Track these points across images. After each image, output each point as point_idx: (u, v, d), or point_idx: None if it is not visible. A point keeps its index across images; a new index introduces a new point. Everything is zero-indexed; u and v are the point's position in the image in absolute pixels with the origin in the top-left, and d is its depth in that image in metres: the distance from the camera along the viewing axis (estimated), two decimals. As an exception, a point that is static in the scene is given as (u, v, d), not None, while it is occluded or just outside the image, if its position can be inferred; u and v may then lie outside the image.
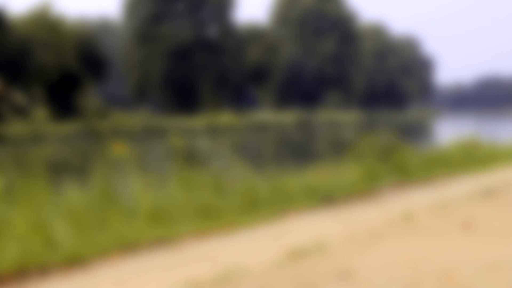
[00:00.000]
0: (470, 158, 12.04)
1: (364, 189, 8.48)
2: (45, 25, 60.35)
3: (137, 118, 59.28)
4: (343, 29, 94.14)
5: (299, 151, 23.68)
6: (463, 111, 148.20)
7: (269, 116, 72.61)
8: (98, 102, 58.16)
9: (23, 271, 4.79)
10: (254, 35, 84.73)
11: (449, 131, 18.49)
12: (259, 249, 5.00)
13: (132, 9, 77.99)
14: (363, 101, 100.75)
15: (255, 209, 7.00)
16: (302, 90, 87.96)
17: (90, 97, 56.67)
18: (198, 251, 5.22)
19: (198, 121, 61.19)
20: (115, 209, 6.37)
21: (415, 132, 38.70)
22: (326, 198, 7.68)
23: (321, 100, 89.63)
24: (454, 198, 7.20)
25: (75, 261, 5.02)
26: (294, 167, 9.74)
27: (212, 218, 6.47)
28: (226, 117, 65.43)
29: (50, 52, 59.28)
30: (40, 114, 49.75)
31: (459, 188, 8.37)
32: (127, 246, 5.43)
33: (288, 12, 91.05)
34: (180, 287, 3.98)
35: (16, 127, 46.82)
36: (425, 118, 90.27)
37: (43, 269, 4.85)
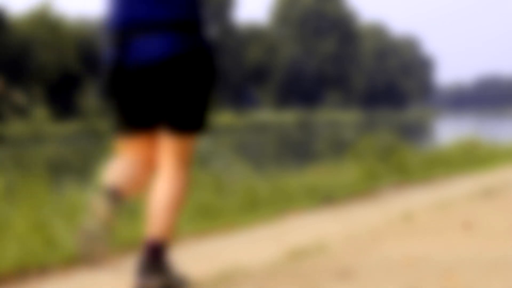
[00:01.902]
0: (470, 158, 12.05)
1: (364, 189, 8.48)
2: (45, 25, 60.37)
3: (137, 118, 59.19)
4: (343, 29, 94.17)
5: (299, 151, 23.70)
6: (463, 111, 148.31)
7: (269, 116, 72.66)
8: (98, 101, 58.18)
9: (23, 271, 4.79)
10: (254, 35, 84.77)
11: (449, 131, 18.49)
12: (259, 249, 5.01)
13: (132, 9, 77.97)
14: (363, 101, 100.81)
15: (255, 209, 7.00)
16: (302, 90, 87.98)
17: (90, 97, 56.69)
18: (198, 251, 5.22)
19: (198, 121, 61.14)
20: (115, 209, 6.37)
21: (415, 132, 38.72)
22: (326, 198, 7.68)
23: (321, 100, 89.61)
24: (454, 198, 7.20)
25: (75, 261, 5.02)
26: (294, 167, 9.75)
27: (212, 218, 6.48)
28: (226, 117, 65.46)
29: (50, 52, 59.31)
30: (40, 114, 49.79)
31: (459, 188, 8.38)
32: (127, 246, 5.43)
33: (288, 12, 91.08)
34: (180, 287, 3.98)
35: (16, 127, 46.85)
36: (425, 118, 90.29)
37: (43, 269, 4.85)
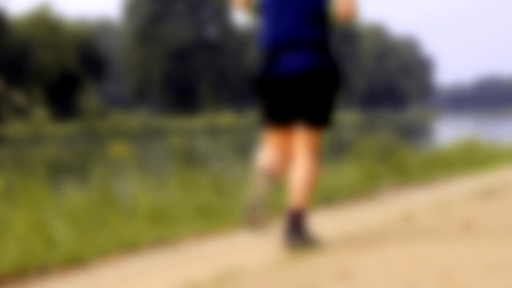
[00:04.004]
0: (470, 158, 12.05)
1: (364, 189, 8.48)
2: (45, 25, 60.31)
3: (137, 119, 59.25)
4: (343, 29, 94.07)
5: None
6: (463, 111, 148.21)
7: (269, 116, 72.41)
8: (98, 102, 58.14)
9: (22, 271, 4.79)
10: (254, 35, 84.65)
11: (449, 131, 18.49)
12: (259, 249, 5.01)
13: (132, 10, 77.96)
14: (363, 101, 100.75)
15: (255, 209, 6.99)
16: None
17: (90, 97, 56.63)
18: (198, 251, 5.22)
19: (198, 121, 61.19)
20: (115, 209, 6.38)
21: (415, 132, 38.71)
22: (326, 198, 7.68)
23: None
24: (454, 198, 7.20)
25: (75, 261, 5.02)
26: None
27: (212, 218, 6.48)
28: (226, 117, 65.39)
29: (50, 52, 59.26)
30: (40, 114, 49.74)
31: (459, 188, 8.37)
32: (127, 247, 5.43)
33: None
34: (180, 287, 3.98)
35: (16, 127, 46.79)
36: (425, 118, 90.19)
37: (43, 269, 4.86)
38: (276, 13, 4.97)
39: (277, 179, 5.14)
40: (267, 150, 5.14)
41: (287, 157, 5.12)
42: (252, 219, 4.99)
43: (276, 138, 5.10)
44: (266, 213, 5.05)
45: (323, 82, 4.90)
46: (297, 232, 4.83)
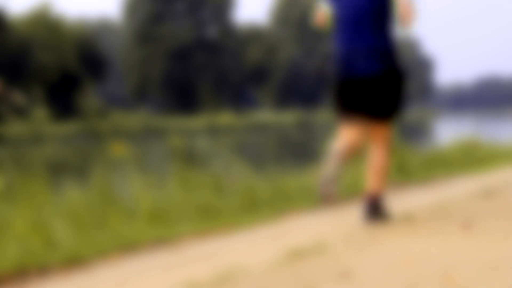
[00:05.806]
0: (470, 158, 12.04)
1: (364, 189, 8.46)
2: (45, 25, 60.30)
3: (137, 118, 59.25)
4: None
5: (299, 151, 23.68)
6: (463, 111, 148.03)
7: (269, 116, 72.60)
8: (98, 102, 58.15)
9: (22, 271, 4.79)
10: (254, 35, 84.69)
11: (449, 131, 18.47)
12: (259, 249, 5.01)
13: (132, 9, 77.93)
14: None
15: (255, 209, 7.00)
16: (301, 90, 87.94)
17: (90, 97, 56.65)
18: (198, 251, 5.22)
19: (198, 121, 61.17)
20: (115, 209, 6.38)
21: (415, 132, 38.68)
22: (326, 198, 7.66)
23: (320, 100, 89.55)
24: (454, 198, 7.20)
25: (75, 261, 5.02)
26: (294, 167, 9.73)
27: (212, 218, 6.48)
28: (226, 117, 65.36)
29: (50, 52, 59.24)
30: (40, 114, 49.74)
31: (459, 188, 8.37)
32: (127, 246, 5.43)
33: (288, 13, 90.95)
34: (180, 287, 3.98)
35: (16, 127, 46.79)
36: (425, 118, 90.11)
37: (43, 269, 4.86)
38: (351, 25, 5.84)
39: (346, 162, 5.79)
40: (341, 139, 5.85)
41: (356, 145, 5.85)
42: (326, 195, 5.60)
43: (349, 129, 5.85)
44: (337, 190, 5.72)
45: (391, 84, 5.81)
46: (376, 213, 5.73)
